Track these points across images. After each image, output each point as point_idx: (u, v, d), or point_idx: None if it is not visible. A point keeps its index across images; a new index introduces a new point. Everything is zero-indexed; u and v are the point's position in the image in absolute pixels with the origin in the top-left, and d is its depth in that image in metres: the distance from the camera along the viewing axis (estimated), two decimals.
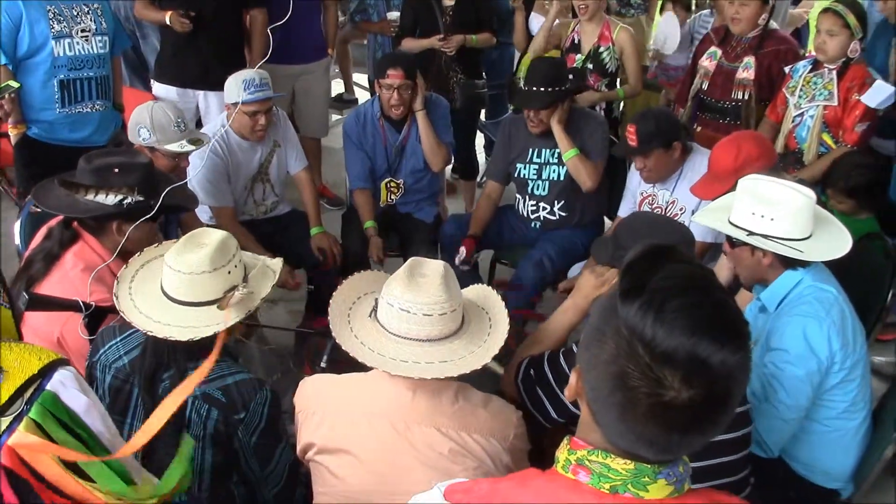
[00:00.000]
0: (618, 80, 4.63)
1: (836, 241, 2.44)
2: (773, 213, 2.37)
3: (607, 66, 4.48)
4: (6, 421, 1.13)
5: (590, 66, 4.49)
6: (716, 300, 1.09)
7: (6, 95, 3.47)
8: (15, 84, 3.57)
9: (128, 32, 5.31)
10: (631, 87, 4.51)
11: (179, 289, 2.10)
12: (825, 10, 3.78)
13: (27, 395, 1.15)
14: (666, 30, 5.29)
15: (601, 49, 4.46)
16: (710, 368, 1.03)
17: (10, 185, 4.81)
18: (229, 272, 2.12)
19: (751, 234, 2.42)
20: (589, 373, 1.13)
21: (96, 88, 3.99)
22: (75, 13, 3.87)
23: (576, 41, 4.56)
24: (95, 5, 3.96)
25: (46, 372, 1.18)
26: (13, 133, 3.89)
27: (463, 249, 3.98)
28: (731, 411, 1.09)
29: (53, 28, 3.78)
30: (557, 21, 4.66)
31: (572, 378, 1.21)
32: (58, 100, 3.86)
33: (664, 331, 1.03)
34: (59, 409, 1.17)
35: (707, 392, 1.04)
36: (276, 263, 2.32)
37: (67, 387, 1.20)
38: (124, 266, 2.28)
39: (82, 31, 3.88)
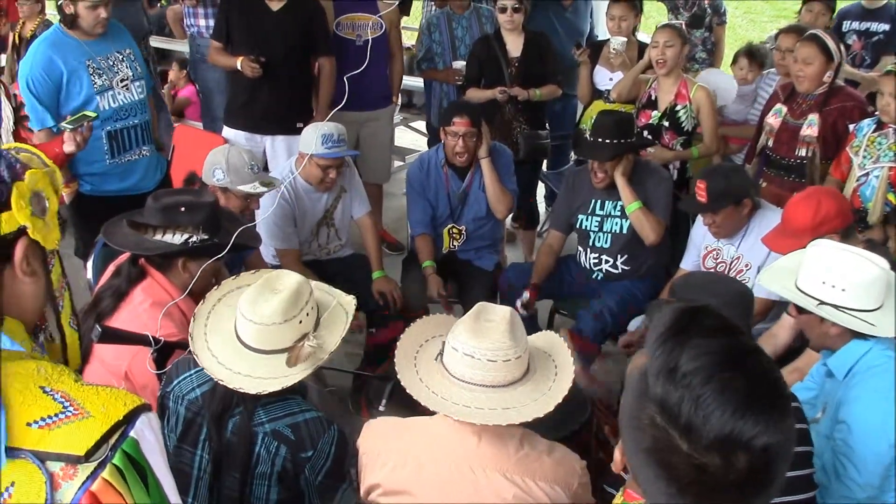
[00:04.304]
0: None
1: None
2: (844, 283, 2.31)
3: (683, 125, 4.42)
4: (90, 467, 1.11)
5: (665, 123, 4.45)
6: (750, 374, 1.08)
7: (84, 124, 3.50)
8: (92, 114, 3.60)
9: None
10: (706, 147, 4.44)
11: (251, 336, 2.13)
12: (887, 73, 3.81)
13: (112, 440, 1.13)
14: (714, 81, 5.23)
15: (678, 107, 4.41)
16: (751, 449, 1.04)
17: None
18: (300, 321, 2.13)
19: (821, 303, 2.35)
20: (631, 458, 1.15)
21: (141, 134, 4.04)
22: (111, 63, 3.90)
23: (652, 97, 4.53)
24: (128, 51, 4.00)
25: (131, 418, 1.16)
26: (66, 192, 3.89)
27: (526, 293, 3.93)
28: (778, 483, 1.09)
29: (96, 83, 3.82)
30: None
31: (617, 454, 1.23)
32: (107, 151, 3.90)
33: (702, 420, 1.04)
34: (140, 457, 1.16)
35: (749, 470, 1.04)
36: (350, 303, 2.34)
37: (146, 435, 1.19)
38: (202, 302, 2.32)
39: (121, 80, 3.92)
